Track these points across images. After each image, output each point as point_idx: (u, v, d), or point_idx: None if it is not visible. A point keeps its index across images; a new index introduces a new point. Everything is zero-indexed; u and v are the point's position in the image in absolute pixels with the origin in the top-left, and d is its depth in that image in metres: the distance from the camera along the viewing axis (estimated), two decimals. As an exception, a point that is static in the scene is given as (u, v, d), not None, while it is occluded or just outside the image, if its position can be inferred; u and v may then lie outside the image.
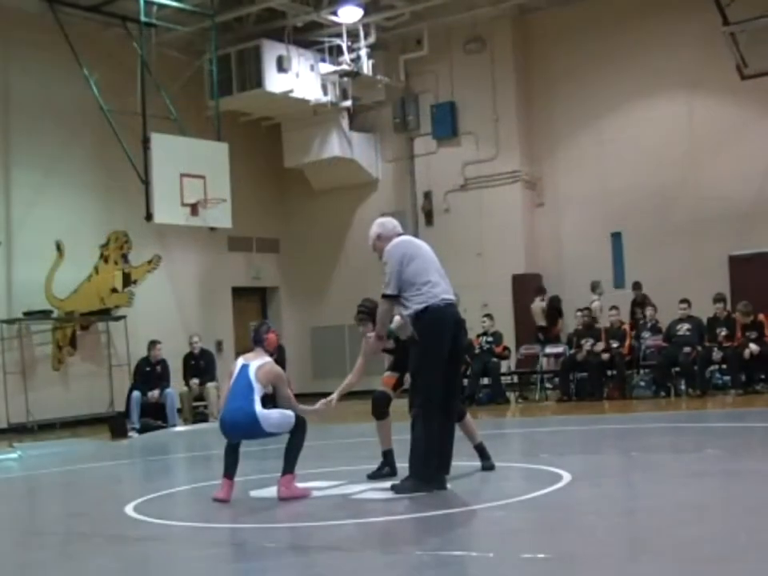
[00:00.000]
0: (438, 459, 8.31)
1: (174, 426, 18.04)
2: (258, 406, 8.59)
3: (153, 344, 18.61)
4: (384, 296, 8.43)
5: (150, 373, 18.37)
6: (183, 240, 22.41)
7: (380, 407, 9.56)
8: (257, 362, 8.80)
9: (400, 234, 8.74)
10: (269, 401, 8.86)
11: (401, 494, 8.20)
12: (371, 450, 10.08)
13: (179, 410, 18.71)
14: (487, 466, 9.41)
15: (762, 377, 17.28)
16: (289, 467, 8.68)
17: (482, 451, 9.47)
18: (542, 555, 5.94)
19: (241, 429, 8.70)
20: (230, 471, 8.77)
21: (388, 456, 9.56)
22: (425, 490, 8.17)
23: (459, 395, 9.16)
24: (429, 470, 8.23)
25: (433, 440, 8.22)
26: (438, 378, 8.28)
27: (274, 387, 8.86)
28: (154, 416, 18.08)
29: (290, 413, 8.74)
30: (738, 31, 19.26)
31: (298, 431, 8.73)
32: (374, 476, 9.44)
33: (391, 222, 8.80)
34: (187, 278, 23.22)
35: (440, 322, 8.30)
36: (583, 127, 22.60)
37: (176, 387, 18.65)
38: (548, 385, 19.83)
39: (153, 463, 13.85)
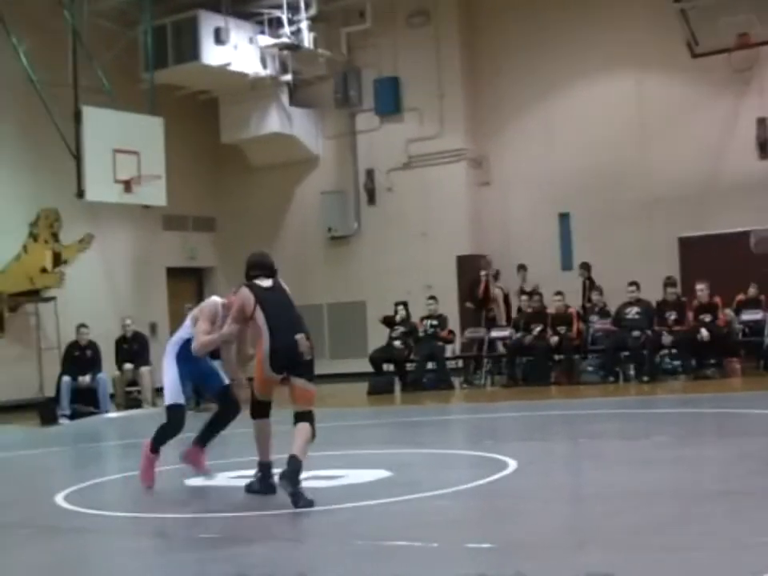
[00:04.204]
0: None
1: (107, 412, 17.76)
2: (168, 354, 8.62)
3: (79, 327, 18.21)
4: None
5: (79, 357, 17.99)
6: (116, 218, 21.83)
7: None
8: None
9: None
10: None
11: None
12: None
13: (112, 396, 18.36)
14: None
15: (713, 362, 17.04)
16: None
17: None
18: (486, 545, 5.88)
19: None
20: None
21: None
22: None
23: None
24: None
25: None
26: None
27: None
28: (86, 402, 17.76)
29: (172, 389, 8.55)
30: (689, 8, 19.07)
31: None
32: None
33: None
34: (120, 257, 22.74)
35: None
36: (531, 104, 22.17)
37: (108, 372, 18.25)
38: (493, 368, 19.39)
39: (84, 451, 13.72)
